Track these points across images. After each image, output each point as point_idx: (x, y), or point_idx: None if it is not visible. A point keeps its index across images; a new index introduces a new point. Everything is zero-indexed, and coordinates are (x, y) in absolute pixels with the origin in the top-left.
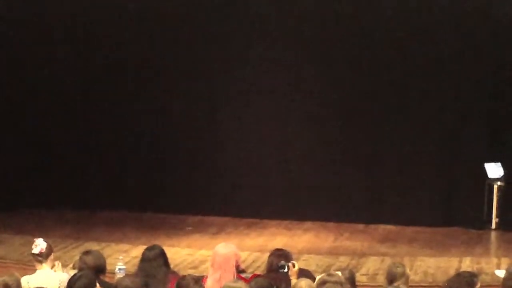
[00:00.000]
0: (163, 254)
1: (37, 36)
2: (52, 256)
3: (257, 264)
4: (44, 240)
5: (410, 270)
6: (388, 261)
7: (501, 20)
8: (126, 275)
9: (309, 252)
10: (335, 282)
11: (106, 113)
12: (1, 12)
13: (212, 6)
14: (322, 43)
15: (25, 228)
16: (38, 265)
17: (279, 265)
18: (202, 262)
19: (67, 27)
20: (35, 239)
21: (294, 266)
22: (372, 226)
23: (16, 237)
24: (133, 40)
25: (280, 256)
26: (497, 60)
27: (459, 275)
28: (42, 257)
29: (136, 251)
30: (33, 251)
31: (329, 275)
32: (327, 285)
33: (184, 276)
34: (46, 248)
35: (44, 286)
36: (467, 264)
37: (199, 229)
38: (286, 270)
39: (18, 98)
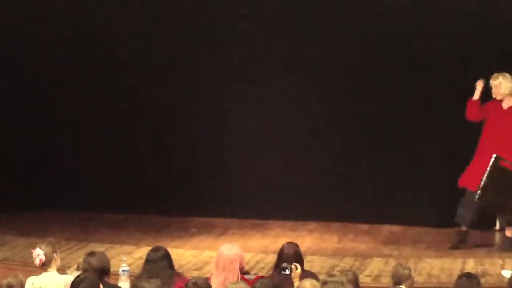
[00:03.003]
0: (167, 256)
1: (36, 37)
2: (55, 256)
3: (261, 266)
4: (40, 248)
5: (415, 271)
6: (392, 262)
7: (502, 21)
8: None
9: (313, 253)
10: (336, 282)
11: (110, 115)
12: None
13: (218, 8)
14: (325, 48)
15: (29, 229)
16: (44, 270)
17: (282, 267)
18: (206, 263)
19: (65, 28)
20: (32, 251)
21: (296, 268)
22: (377, 227)
23: (20, 239)
24: (136, 40)
25: (294, 246)
26: (495, 62)
27: (462, 277)
28: (45, 265)
29: (140, 253)
30: (35, 263)
31: (330, 275)
32: (328, 284)
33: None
34: (46, 254)
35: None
36: (471, 265)
37: (204, 230)
38: (288, 272)
39: (20, 99)
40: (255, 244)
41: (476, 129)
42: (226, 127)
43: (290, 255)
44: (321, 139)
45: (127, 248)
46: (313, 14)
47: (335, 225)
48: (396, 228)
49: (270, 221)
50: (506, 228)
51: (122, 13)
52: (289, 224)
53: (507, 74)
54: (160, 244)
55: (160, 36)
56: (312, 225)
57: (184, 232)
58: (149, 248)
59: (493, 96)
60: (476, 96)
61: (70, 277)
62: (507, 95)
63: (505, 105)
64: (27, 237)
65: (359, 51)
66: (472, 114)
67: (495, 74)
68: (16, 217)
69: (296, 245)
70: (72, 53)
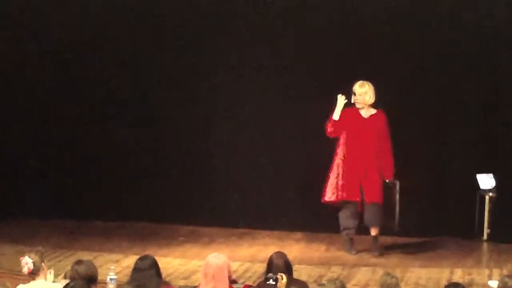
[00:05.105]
0: (155, 264)
1: (32, 41)
2: (43, 265)
3: (249, 274)
4: (29, 257)
5: (402, 281)
6: (379, 271)
7: (495, 29)
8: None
9: (300, 262)
10: None
11: (99, 123)
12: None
13: (206, 9)
14: (318, 55)
15: (17, 237)
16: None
17: (267, 277)
18: (194, 272)
19: (60, 31)
20: (21, 259)
21: (282, 278)
22: (364, 237)
23: (8, 246)
24: (127, 48)
25: (282, 255)
26: (489, 70)
27: (449, 287)
28: (33, 273)
29: (128, 261)
30: (23, 271)
31: (319, 284)
32: None
33: None
34: (34, 263)
35: None
36: (458, 275)
37: (191, 239)
38: (274, 282)
39: (11, 107)
40: (243, 253)
41: (463, 141)
42: (213, 137)
43: (280, 265)
44: (310, 150)
45: (114, 256)
46: (308, 19)
47: (322, 234)
48: (383, 238)
49: (257, 230)
50: (371, 228)
51: (121, 14)
52: (276, 233)
53: (370, 84)
54: (147, 252)
55: (152, 42)
56: (299, 234)
57: (172, 240)
58: (137, 256)
59: (354, 102)
60: (337, 115)
61: (58, 285)
62: (368, 104)
63: (365, 114)
64: (15, 245)
65: (353, 61)
66: (335, 132)
67: (362, 82)
68: (3, 224)
69: (285, 255)
70: (66, 61)
